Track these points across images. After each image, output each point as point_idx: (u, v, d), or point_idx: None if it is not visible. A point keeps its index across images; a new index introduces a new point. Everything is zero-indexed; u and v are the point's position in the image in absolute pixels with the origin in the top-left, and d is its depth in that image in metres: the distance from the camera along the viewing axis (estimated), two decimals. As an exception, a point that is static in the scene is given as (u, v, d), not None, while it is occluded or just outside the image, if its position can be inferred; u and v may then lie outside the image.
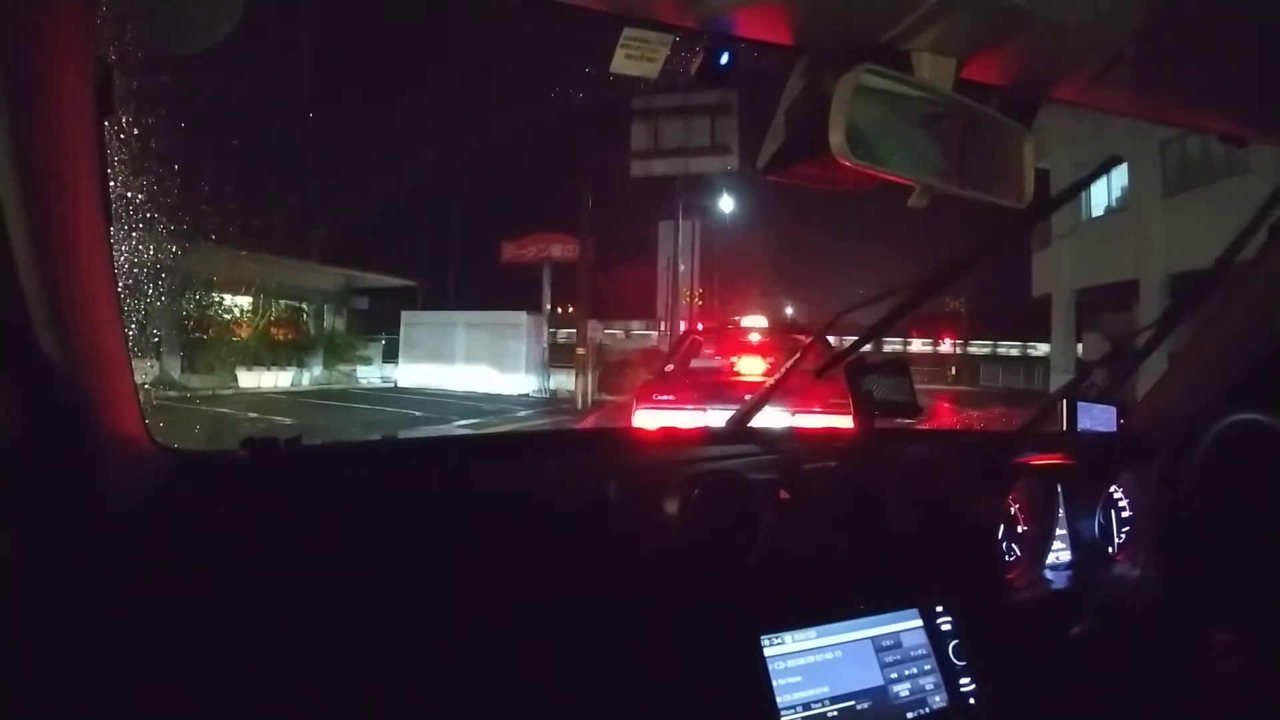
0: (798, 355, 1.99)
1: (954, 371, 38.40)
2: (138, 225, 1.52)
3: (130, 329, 1.17)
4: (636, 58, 1.16)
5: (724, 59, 1.11)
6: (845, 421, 1.58)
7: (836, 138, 0.95)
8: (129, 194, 1.37)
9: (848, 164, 0.96)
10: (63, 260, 0.95)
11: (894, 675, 1.32)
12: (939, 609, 1.39)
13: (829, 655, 1.29)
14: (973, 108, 1.10)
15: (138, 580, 0.99)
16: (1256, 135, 1.54)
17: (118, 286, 1.07)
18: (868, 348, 1.70)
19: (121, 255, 1.25)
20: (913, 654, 1.35)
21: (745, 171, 20.78)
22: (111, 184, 1.04)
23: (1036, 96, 1.24)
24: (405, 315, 23.78)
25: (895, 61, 1.02)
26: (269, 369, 18.89)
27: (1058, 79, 1.22)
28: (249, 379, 18.00)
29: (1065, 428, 2.08)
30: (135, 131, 1.33)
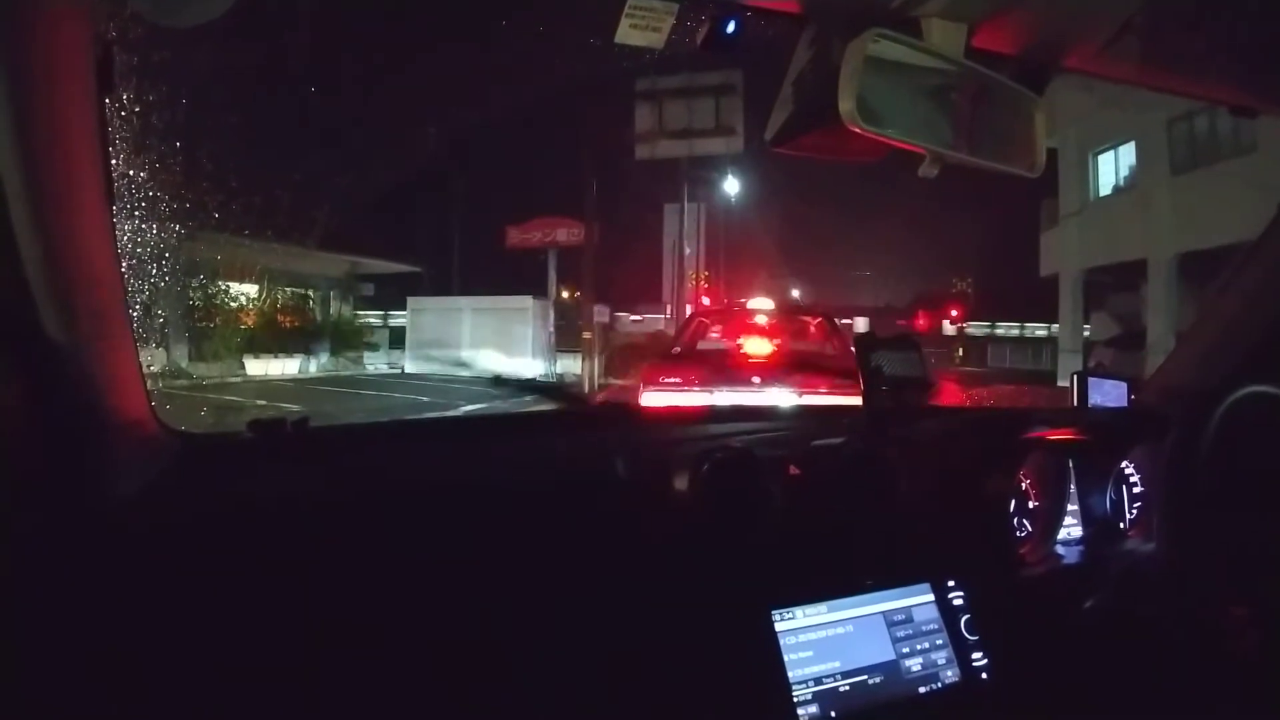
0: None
1: (961, 352, 38.36)
2: (140, 204, 1.52)
3: (135, 311, 1.16)
4: (642, 27, 1.15)
5: (730, 28, 1.10)
6: (852, 402, 1.58)
7: (846, 104, 0.94)
8: (130, 172, 1.36)
9: (857, 131, 0.95)
10: (66, 240, 0.94)
11: (906, 649, 1.31)
12: (950, 583, 1.39)
13: (840, 630, 1.28)
14: (984, 75, 1.08)
15: (144, 561, 0.99)
16: (1268, 106, 1.52)
17: (121, 267, 1.06)
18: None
19: (124, 235, 1.24)
20: (924, 628, 1.34)
21: (751, 153, 20.72)
22: (113, 162, 1.03)
23: (1048, 64, 1.22)
24: (411, 301, 23.74)
25: (905, 28, 1.00)
26: (276, 356, 18.89)
27: (1070, 47, 1.20)
28: (256, 366, 18.02)
29: (1076, 403, 2.07)
30: (136, 109, 1.32)
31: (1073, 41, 1.19)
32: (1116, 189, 19.88)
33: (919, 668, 1.31)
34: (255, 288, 18.53)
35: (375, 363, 23.13)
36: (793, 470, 1.42)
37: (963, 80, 1.07)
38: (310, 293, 21.74)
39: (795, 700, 1.20)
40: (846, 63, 0.95)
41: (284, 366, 19.02)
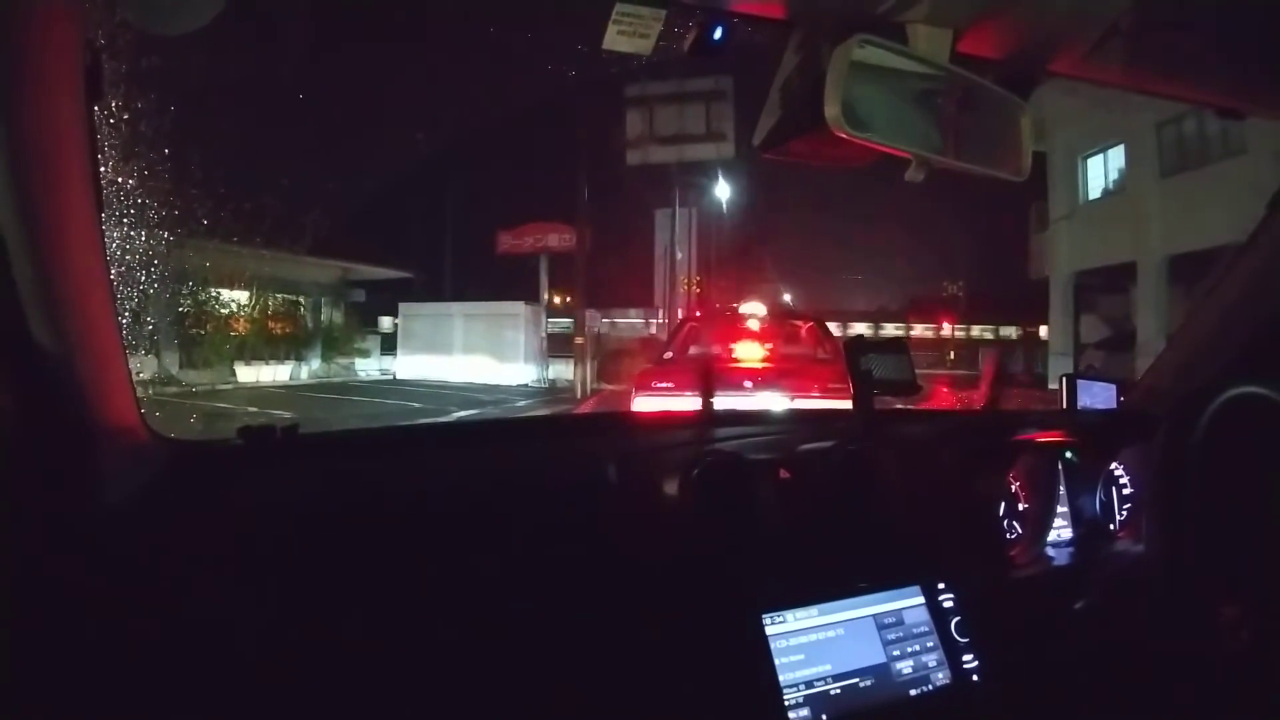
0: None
1: (952, 355, 38.37)
2: (129, 211, 1.51)
3: (124, 318, 1.16)
4: (629, 34, 1.15)
5: (717, 34, 1.10)
6: (844, 405, 1.59)
7: (832, 110, 0.94)
8: (120, 179, 1.36)
9: (844, 136, 0.95)
10: (55, 247, 0.94)
11: (896, 652, 1.31)
12: (941, 586, 1.39)
13: (831, 633, 1.29)
14: (969, 80, 1.09)
15: (133, 568, 0.99)
16: (1255, 109, 1.53)
17: (110, 274, 1.06)
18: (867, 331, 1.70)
19: (114, 242, 1.24)
20: (915, 631, 1.34)
21: (742, 158, 20.74)
22: (102, 169, 1.03)
23: (1034, 69, 1.23)
24: (402, 307, 23.78)
25: (890, 33, 1.01)
26: (267, 363, 18.89)
27: (1055, 51, 1.21)
28: (247, 373, 18.00)
29: (1065, 405, 2.08)
30: (125, 116, 1.32)
31: (1058, 46, 1.19)
32: (1106, 192, 19.94)
33: (910, 670, 1.31)
34: (246, 294, 18.49)
35: (367, 369, 23.10)
36: (783, 474, 1.42)
37: (948, 85, 1.08)
38: (301, 299, 21.70)
39: (786, 704, 1.20)
40: (832, 68, 0.95)
41: (275, 373, 19.01)
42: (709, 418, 1.75)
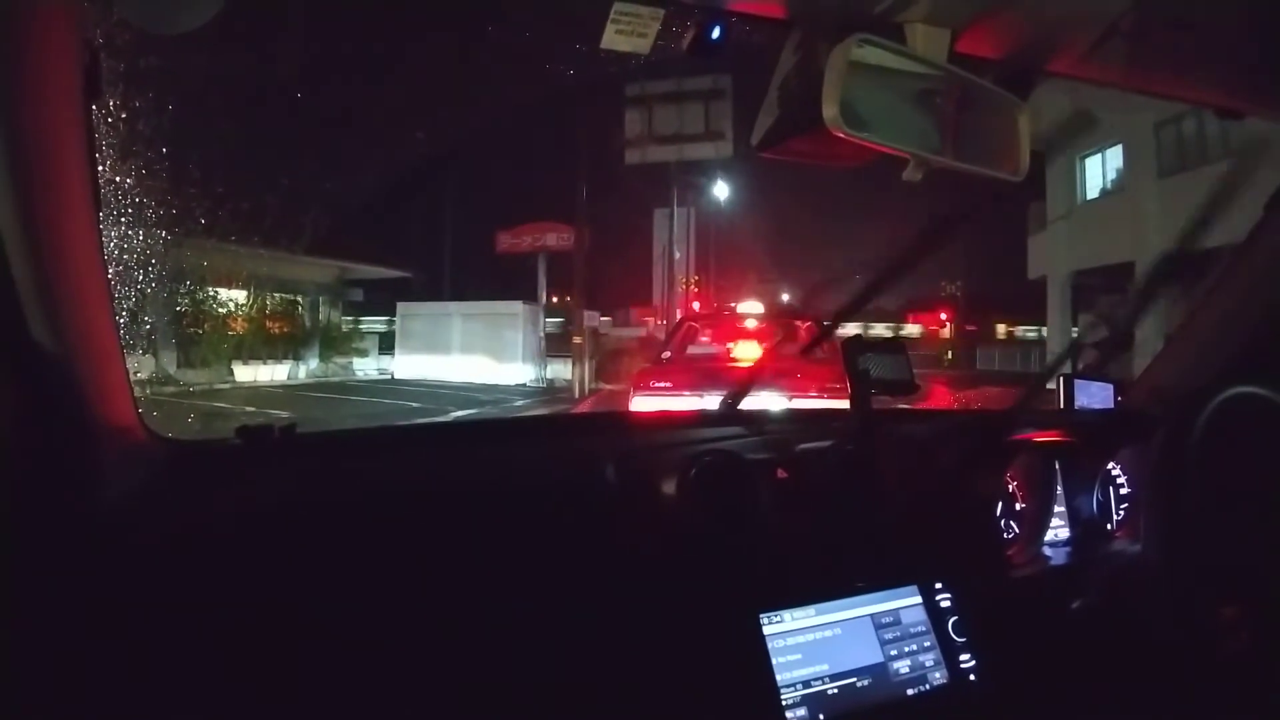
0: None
1: (950, 355, 38.39)
2: (127, 210, 1.51)
3: (122, 317, 1.16)
4: (627, 33, 1.16)
5: (715, 33, 1.10)
6: (842, 405, 1.58)
7: (830, 110, 0.94)
8: (117, 179, 1.35)
9: (842, 136, 0.95)
10: (52, 246, 0.94)
11: (894, 652, 1.31)
12: (938, 586, 1.39)
13: (828, 633, 1.29)
14: (967, 80, 1.09)
15: (131, 568, 0.99)
16: (1253, 109, 1.53)
17: (108, 273, 1.06)
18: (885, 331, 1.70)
19: (111, 242, 1.23)
20: (912, 631, 1.34)
21: (740, 157, 20.75)
22: (100, 168, 1.03)
23: (1032, 69, 1.23)
24: (400, 306, 23.74)
25: (889, 33, 1.01)
26: (265, 362, 18.87)
27: (1053, 51, 1.21)
28: (245, 373, 17.97)
29: (1063, 405, 2.08)
30: (123, 115, 1.32)
31: (1056, 45, 1.20)
32: (1104, 192, 19.92)
33: (907, 670, 1.31)
34: (243, 294, 18.46)
35: (365, 368, 23.08)
36: (781, 474, 1.42)
37: (947, 85, 1.08)
38: (299, 298, 21.67)
39: (784, 703, 1.20)
40: (830, 68, 0.95)
41: (273, 372, 19.00)
42: (707, 417, 1.75)
